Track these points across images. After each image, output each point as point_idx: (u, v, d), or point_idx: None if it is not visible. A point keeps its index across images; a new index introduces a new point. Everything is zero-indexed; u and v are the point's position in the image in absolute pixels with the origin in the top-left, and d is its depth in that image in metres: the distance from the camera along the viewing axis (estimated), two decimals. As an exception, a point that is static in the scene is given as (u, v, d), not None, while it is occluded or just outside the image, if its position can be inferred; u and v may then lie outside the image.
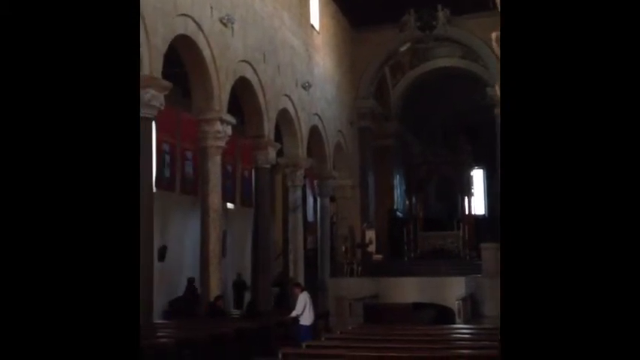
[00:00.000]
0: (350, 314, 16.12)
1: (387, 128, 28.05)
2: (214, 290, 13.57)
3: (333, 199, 23.45)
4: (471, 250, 23.43)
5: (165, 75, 11.78)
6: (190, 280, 17.54)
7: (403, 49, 25.94)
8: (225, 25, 14.15)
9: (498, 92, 15.04)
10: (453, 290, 16.59)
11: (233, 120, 14.38)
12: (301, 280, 17.86)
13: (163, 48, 11.77)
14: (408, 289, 17.26)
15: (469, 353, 7.48)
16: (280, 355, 7.61)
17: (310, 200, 22.87)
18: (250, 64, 15.67)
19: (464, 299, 15.88)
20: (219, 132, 13.91)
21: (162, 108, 11.83)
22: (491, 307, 15.90)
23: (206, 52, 13.45)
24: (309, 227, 22.52)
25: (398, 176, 28.88)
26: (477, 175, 30.59)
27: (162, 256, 17.10)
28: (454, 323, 14.82)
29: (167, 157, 14.17)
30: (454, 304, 15.72)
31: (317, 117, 20.71)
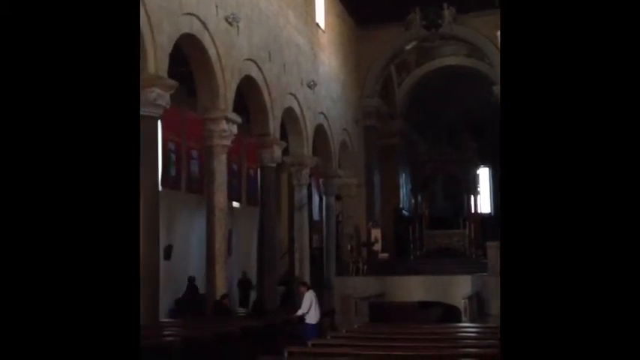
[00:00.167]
0: (356, 313, 16.10)
1: (393, 127, 28.02)
2: (220, 289, 13.58)
3: (338, 198, 23.45)
4: (477, 248, 23.39)
5: (171, 74, 11.80)
6: (191, 279, 17.57)
7: (409, 47, 25.90)
8: (230, 23, 14.15)
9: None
10: (459, 289, 16.55)
11: (238, 119, 14.39)
12: (307, 278, 17.88)
13: (169, 47, 11.79)
14: (414, 288, 17.22)
15: (475, 352, 7.46)
16: (286, 354, 7.61)
17: (316, 199, 22.86)
18: (256, 62, 15.67)
19: (470, 298, 15.85)
20: (224, 131, 13.91)
21: (168, 107, 11.85)
22: (498, 306, 15.69)
23: (211, 51, 13.45)
24: (314, 226, 22.52)
25: (403, 175, 28.85)
26: (483, 174, 30.51)
27: (168, 255, 17.14)
28: (460, 322, 14.81)
29: (173, 156, 14.20)
30: (460, 303, 15.69)
31: (322, 115, 20.70)
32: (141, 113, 11.11)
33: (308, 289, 13.29)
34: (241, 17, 14.63)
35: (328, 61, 21.82)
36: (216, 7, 13.67)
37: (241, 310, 18.27)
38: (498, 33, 14.34)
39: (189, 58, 13.50)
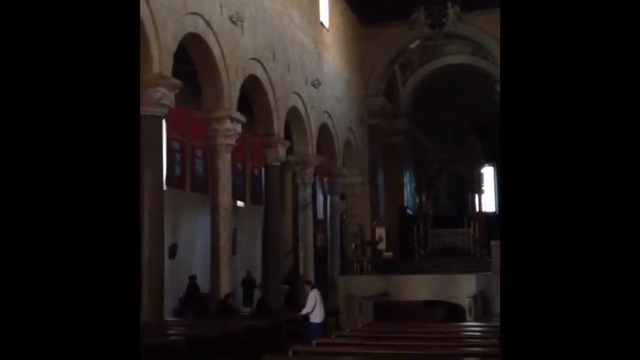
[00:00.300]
0: (360, 312, 16.09)
1: (397, 125, 27.99)
2: (224, 288, 13.60)
3: (343, 197, 23.45)
4: (482, 247, 23.36)
5: (175, 73, 11.81)
6: (192, 278, 17.60)
7: (413, 46, 25.87)
8: (234, 23, 14.16)
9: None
10: (463, 288, 16.53)
11: (243, 118, 14.40)
12: (311, 277, 17.88)
13: (173, 46, 11.80)
14: (419, 287, 17.20)
15: (480, 351, 7.46)
16: (291, 353, 7.62)
17: (320, 198, 22.88)
18: (260, 62, 15.67)
19: (474, 297, 15.84)
20: (229, 130, 13.93)
21: (173, 106, 11.87)
22: (502, 305, 15.80)
23: (216, 51, 13.47)
24: (319, 225, 22.53)
25: (408, 174, 28.82)
26: (488, 173, 30.48)
27: (172, 254, 17.18)
28: (465, 321, 14.79)
29: (177, 156, 14.25)
30: (465, 302, 15.67)
31: (327, 114, 20.70)
32: (145, 112, 11.14)
33: (312, 288, 13.29)
34: (245, 16, 14.63)
35: (332, 60, 21.82)
36: (221, 6, 13.68)
37: (245, 309, 18.31)
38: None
39: (193, 57, 13.51)
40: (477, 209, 24.94)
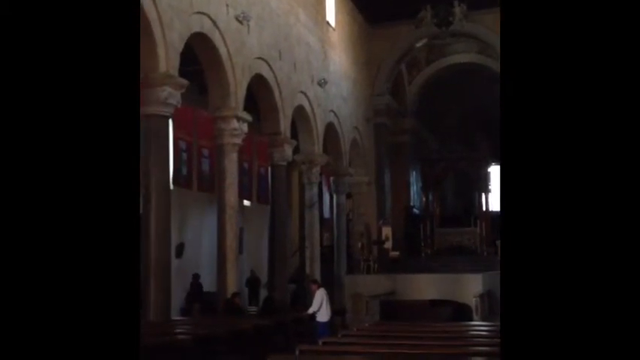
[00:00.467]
0: (366, 311, 16.10)
1: (403, 124, 27.95)
2: (231, 287, 13.62)
3: (349, 196, 23.44)
4: (488, 246, 23.32)
5: (182, 73, 11.84)
6: (195, 277, 17.63)
7: (419, 45, 25.83)
8: (240, 22, 14.17)
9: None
10: (470, 287, 16.50)
11: (249, 117, 14.42)
12: (317, 276, 17.89)
13: (180, 46, 11.83)
14: (425, 286, 17.18)
15: (486, 350, 7.44)
16: (297, 352, 7.62)
17: (326, 197, 22.87)
18: (266, 61, 15.69)
19: (481, 296, 15.81)
20: (235, 129, 13.94)
21: (179, 106, 11.90)
22: (509, 304, 15.76)
23: (222, 50, 13.49)
24: (325, 224, 22.53)
25: (414, 173, 28.78)
26: (494, 172, 30.41)
27: (179, 253, 17.23)
28: (471, 320, 14.77)
29: (184, 155, 14.26)
30: (471, 301, 15.65)
31: (333, 114, 20.69)
32: (152, 112, 11.18)
33: (319, 287, 13.31)
34: (252, 16, 14.65)
35: (339, 59, 21.81)
36: (227, 5, 13.69)
37: (251, 309, 18.34)
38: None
39: (200, 56, 13.53)
40: (484, 208, 24.89)
